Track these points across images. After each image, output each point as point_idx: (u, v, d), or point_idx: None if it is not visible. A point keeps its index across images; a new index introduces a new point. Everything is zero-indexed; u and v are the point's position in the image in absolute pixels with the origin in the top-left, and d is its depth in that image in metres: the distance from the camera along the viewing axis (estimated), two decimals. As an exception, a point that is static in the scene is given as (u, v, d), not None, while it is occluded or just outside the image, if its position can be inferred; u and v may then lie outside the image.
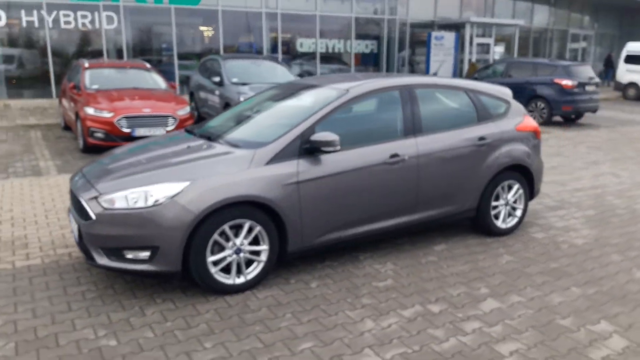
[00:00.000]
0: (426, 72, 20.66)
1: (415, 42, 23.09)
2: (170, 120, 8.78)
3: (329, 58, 21.45)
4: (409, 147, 4.28)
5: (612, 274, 4.18)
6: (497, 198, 4.94)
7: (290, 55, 20.89)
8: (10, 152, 8.63)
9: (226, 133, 4.25)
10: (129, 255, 3.45)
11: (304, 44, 20.83)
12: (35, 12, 16.22)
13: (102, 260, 3.50)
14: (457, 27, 22.13)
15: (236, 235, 3.62)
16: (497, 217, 4.97)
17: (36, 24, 16.43)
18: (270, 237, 3.72)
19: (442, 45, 20.10)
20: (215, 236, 3.51)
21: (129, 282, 3.81)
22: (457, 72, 21.97)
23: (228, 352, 2.96)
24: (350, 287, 3.84)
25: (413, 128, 4.37)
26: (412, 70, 23.41)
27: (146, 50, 18.60)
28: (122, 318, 3.31)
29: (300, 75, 20.89)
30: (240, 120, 4.59)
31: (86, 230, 3.53)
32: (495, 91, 5.04)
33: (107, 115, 8.46)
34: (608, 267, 4.33)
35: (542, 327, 3.32)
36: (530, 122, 5.14)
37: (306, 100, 4.37)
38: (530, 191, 5.18)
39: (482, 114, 4.83)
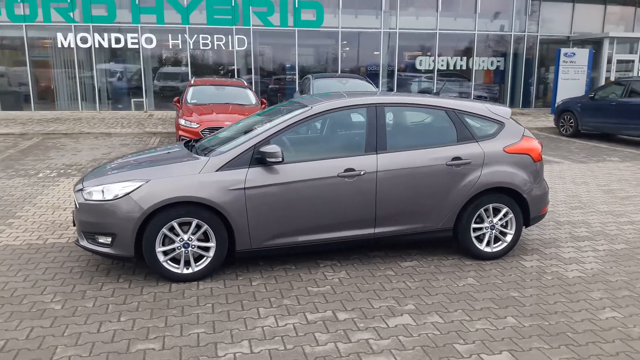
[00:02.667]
0: (554, 91, 19.22)
1: (547, 58, 21.62)
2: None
3: (449, 75, 21.11)
4: (368, 162, 4.43)
5: (572, 310, 3.86)
6: (481, 220, 4.79)
7: (409, 72, 21.01)
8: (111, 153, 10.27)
9: (208, 145, 4.81)
10: (100, 240, 4.18)
11: (423, 62, 20.79)
12: (179, 35, 18.67)
13: (83, 242, 4.30)
14: (594, 43, 20.25)
15: (187, 231, 4.15)
16: (480, 240, 4.81)
17: (180, 46, 18.90)
18: (217, 236, 4.19)
19: (573, 63, 18.54)
20: (164, 230, 4.09)
21: (113, 264, 4.55)
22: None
23: (132, 325, 3.49)
24: (286, 288, 4.14)
25: (376, 145, 4.51)
26: (545, 89, 21.94)
27: (272, 69, 20.23)
28: (82, 290, 4.04)
29: (421, 92, 20.94)
30: (229, 135, 5.13)
31: (74, 216, 4.37)
32: (485, 111, 4.90)
33: (194, 126, 9.66)
34: (576, 303, 3.99)
35: (431, 349, 3.29)
36: (527, 145, 4.88)
37: (281, 117, 4.76)
38: (525, 217, 4.90)
39: (464, 134, 4.74)
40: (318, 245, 4.50)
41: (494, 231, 4.82)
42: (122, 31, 18.39)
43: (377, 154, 4.48)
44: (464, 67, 21.03)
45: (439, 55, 20.48)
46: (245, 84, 11.84)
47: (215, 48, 19.12)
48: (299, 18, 19.02)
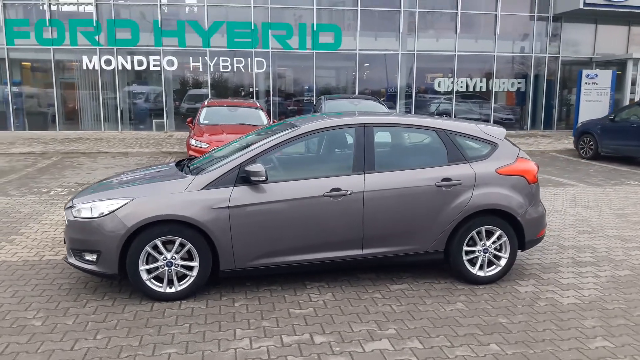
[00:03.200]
0: (575, 112, 18.88)
1: (569, 80, 21.31)
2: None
3: (468, 97, 20.98)
4: (354, 182, 4.39)
5: (561, 338, 3.71)
6: (474, 243, 4.67)
7: (428, 94, 20.96)
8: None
9: (199, 165, 4.82)
10: (86, 257, 4.22)
11: (442, 83, 20.72)
12: (200, 58, 19.07)
13: (71, 259, 4.34)
14: (618, 65, 19.89)
15: (171, 250, 4.16)
16: (473, 263, 4.69)
17: (200, 68, 19.29)
18: (200, 255, 4.19)
19: (596, 84, 18.20)
20: (148, 248, 4.11)
21: (101, 282, 4.58)
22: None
23: (106, 344, 3.49)
24: (267, 310, 4.09)
25: (363, 165, 4.47)
26: (567, 111, 21.60)
27: (290, 90, 20.44)
28: (65, 307, 4.07)
29: (440, 114, 20.84)
30: (222, 155, 5.13)
31: (64, 233, 4.43)
32: (477, 132, 4.81)
33: (204, 145, 9.78)
34: (567, 331, 3.83)
35: (405, 374, 3.19)
36: (522, 166, 4.76)
37: (270, 136, 4.76)
38: (520, 240, 4.76)
39: (454, 155, 4.66)
40: (304, 266, 4.45)
41: (487, 255, 4.69)
42: (144, 54, 18.89)
43: (364, 173, 4.44)
44: (484, 89, 20.87)
45: (458, 77, 20.39)
46: (258, 105, 11.98)
47: (235, 70, 19.44)
48: (317, 41, 19.24)
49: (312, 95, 19.95)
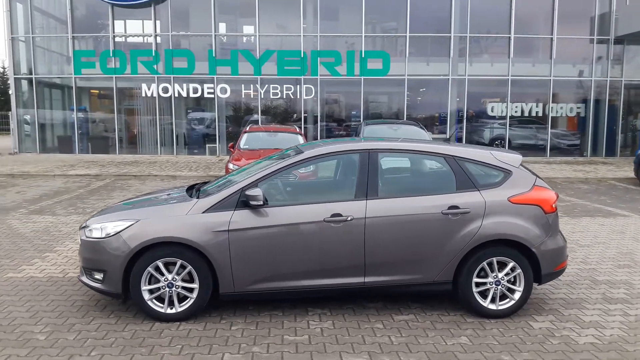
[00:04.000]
0: None
1: (635, 104, 20.21)
2: (291, 178, 9.84)
3: (524, 122, 20.32)
4: (356, 208, 4.33)
5: (566, 380, 3.44)
6: (485, 275, 4.46)
7: (480, 119, 20.50)
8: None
9: (208, 188, 4.92)
10: (95, 275, 4.39)
11: (496, 108, 20.23)
12: (251, 85, 19.67)
13: (83, 277, 4.53)
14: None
15: (173, 271, 4.25)
16: (485, 296, 4.47)
17: (251, 95, 19.87)
18: (200, 277, 4.25)
19: (661, 108, 17.15)
20: (150, 269, 4.21)
21: (111, 301, 4.72)
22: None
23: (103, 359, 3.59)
24: (262, 335, 4.06)
25: (366, 191, 4.40)
26: (633, 137, 20.43)
27: (338, 116, 20.61)
28: (72, 323, 4.23)
29: (494, 139, 20.29)
30: (233, 178, 5.21)
31: (78, 252, 4.64)
32: (489, 159, 4.63)
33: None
34: (575, 373, 3.56)
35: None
36: (537, 195, 4.52)
37: (276, 161, 4.78)
38: (537, 273, 4.50)
39: (464, 182, 4.50)
40: (305, 292, 4.40)
41: (499, 287, 4.46)
42: (199, 82, 19.71)
43: (367, 199, 4.37)
44: (540, 114, 20.17)
45: (512, 102, 19.82)
46: (297, 130, 12.14)
47: (285, 97, 19.88)
48: (365, 67, 19.37)
49: (360, 121, 19.99)
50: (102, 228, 4.36)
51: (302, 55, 19.34)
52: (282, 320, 4.37)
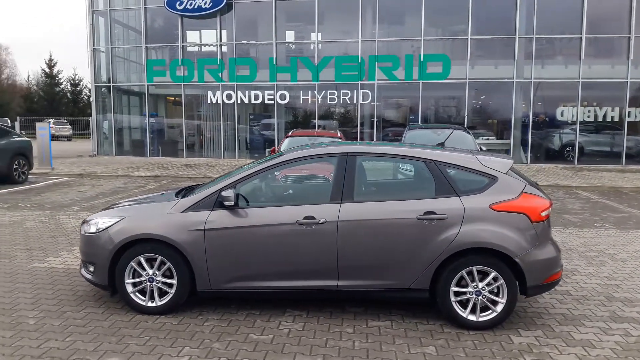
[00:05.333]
0: None
1: None
2: (324, 180, 9.93)
3: (598, 127, 19.04)
4: (329, 211, 4.33)
5: (519, 398, 3.25)
6: (466, 284, 4.29)
7: (548, 124, 19.47)
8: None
9: (195, 189, 5.08)
10: (89, 268, 4.71)
11: (565, 112, 19.13)
12: (309, 91, 19.98)
13: (81, 269, 4.88)
14: None
15: (153, 266, 4.48)
16: (465, 306, 4.30)
17: (309, 101, 20.18)
18: (178, 273, 4.43)
19: None
20: (133, 263, 4.46)
21: (107, 293, 5.02)
22: None
23: (68, 345, 3.85)
24: (229, 332, 4.15)
25: (342, 194, 4.38)
26: None
27: (395, 120, 20.39)
28: (64, 310, 4.57)
29: (564, 145, 19.21)
30: (218, 180, 5.31)
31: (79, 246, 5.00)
32: (473, 164, 4.44)
33: (276, 173, 10.20)
34: (533, 391, 3.34)
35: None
36: (523, 203, 4.27)
37: (257, 164, 4.83)
38: (523, 285, 4.26)
39: (443, 188, 4.35)
40: (280, 292, 4.46)
41: (480, 297, 4.26)
42: (260, 88, 20.31)
43: (341, 203, 4.35)
44: (616, 118, 18.79)
45: (583, 106, 18.63)
46: (339, 134, 12.19)
47: (341, 102, 19.99)
48: (424, 71, 19.04)
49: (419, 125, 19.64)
50: (95, 224, 4.68)
51: (359, 61, 19.37)
52: (256, 319, 4.45)
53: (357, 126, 19.80)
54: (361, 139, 19.78)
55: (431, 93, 19.55)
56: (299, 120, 20.84)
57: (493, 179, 4.38)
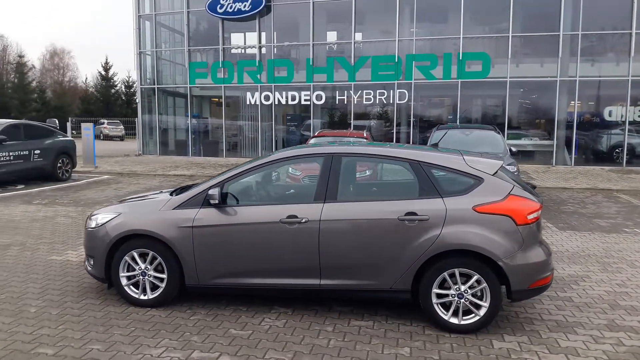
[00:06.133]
0: None
1: None
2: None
3: (649, 127, 18.09)
4: (312, 211, 4.37)
5: (479, 404, 3.19)
6: (449, 286, 4.24)
7: (594, 124, 18.67)
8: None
9: (191, 188, 5.21)
10: (91, 261, 4.97)
11: (614, 112, 18.27)
12: (345, 91, 20.01)
13: (85, 263, 5.14)
14: None
15: (145, 261, 4.67)
16: (447, 308, 4.24)
17: (345, 101, 20.20)
18: (168, 268, 4.60)
19: None
20: (127, 258, 4.67)
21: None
22: None
23: (57, 333, 4.08)
24: (210, 327, 4.27)
25: (325, 194, 4.42)
26: None
27: (432, 120, 20.09)
28: (65, 300, 4.83)
29: (613, 147, 18.40)
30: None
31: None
32: (459, 165, 4.36)
33: (297, 173, 10.26)
34: (497, 397, 3.28)
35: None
36: (509, 205, 4.16)
37: (246, 164, 4.93)
38: (507, 289, 4.16)
39: (426, 189, 4.30)
40: (264, 290, 4.54)
41: (462, 300, 4.19)
42: (297, 89, 20.53)
43: (324, 202, 4.39)
44: (671, 119, 17.77)
45: (633, 105, 17.74)
46: (365, 134, 12.15)
47: (377, 102, 19.90)
48: (463, 70, 18.67)
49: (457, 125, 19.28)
50: (95, 219, 4.93)
51: (396, 60, 19.22)
52: (241, 315, 4.55)
53: (394, 126, 19.64)
54: (397, 139, 19.62)
55: (470, 92, 19.13)
56: (335, 120, 20.88)
57: (478, 180, 4.29)
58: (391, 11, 19.15)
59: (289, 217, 4.38)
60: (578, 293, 5.27)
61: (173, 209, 4.64)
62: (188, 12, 21.76)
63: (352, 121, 19.90)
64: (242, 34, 22.13)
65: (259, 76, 20.93)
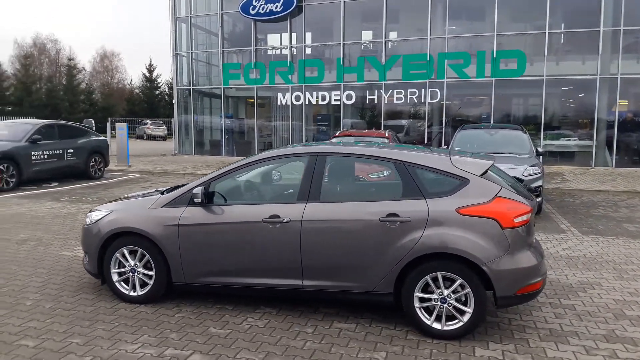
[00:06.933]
0: None
1: None
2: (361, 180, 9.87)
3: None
4: (294, 211, 4.33)
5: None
6: (431, 290, 4.11)
7: (636, 124, 17.80)
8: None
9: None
10: (86, 257, 5.09)
11: (659, 112, 17.34)
12: (375, 91, 19.85)
13: (83, 260, 5.28)
14: None
15: (135, 258, 4.75)
16: (430, 313, 4.12)
17: (375, 100, 20.04)
18: (156, 266, 4.67)
19: None
20: (117, 254, 4.77)
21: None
22: None
23: (44, 325, 4.20)
24: (191, 324, 4.29)
25: (308, 194, 4.37)
26: None
27: (465, 119, 19.64)
28: (62, 294, 4.97)
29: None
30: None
31: (82, 237, 5.42)
32: (446, 165, 4.20)
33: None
34: (463, 407, 3.14)
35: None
36: (494, 207, 3.98)
37: (232, 163, 4.94)
38: (493, 295, 4.00)
39: (410, 190, 4.18)
40: (249, 289, 4.53)
41: (445, 305, 4.06)
42: (327, 89, 20.50)
43: (306, 202, 4.35)
44: None
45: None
46: (387, 134, 11.98)
47: (408, 101, 19.63)
48: (497, 68, 18.17)
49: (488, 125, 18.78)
50: (91, 216, 5.05)
51: (428, 59, 18.90)
52: (225, 314, 4.56)
53: (425, 126, 19.32)
54: (429, 139, 19.30)
55: (505, 91, 18.58)
56: (366, 120, 20.74)
57: (464, 181, 4.14)
58: (423, 9, 18.85)
59: (272, 216, 4.36)
60: (583, 301, 5.01)
61: (161, 207, 4.70)
62: (222, 13, 22.11)
63: (382, 121, 19.71)
64: (275, 35, 22.29)
65: (290, 77, 21.03)
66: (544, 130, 17.95)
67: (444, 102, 19.00)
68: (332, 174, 4.55)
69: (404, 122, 20.33)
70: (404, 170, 4.26)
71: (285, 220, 4.31)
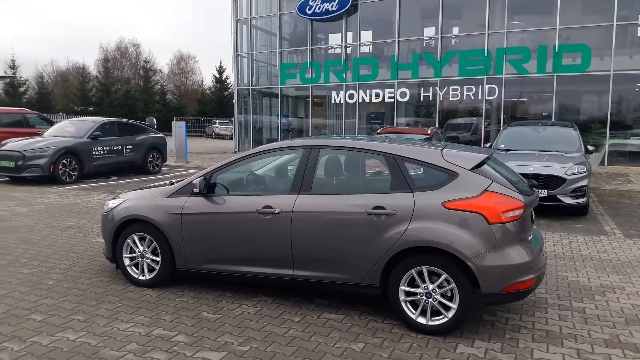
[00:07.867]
0: None
1: None
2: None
3: None
4: (286, 202, 4.42)
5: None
6: (417, 284, 4.07)
7: None
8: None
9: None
10: (105, 243, 5.46)
11: None
12: (430, 88, 19.51)
13: (103, 247, 5.65)
14: None
15: (144, 244, 5.04)
16: (416, 307, 4.07)
17: (430, 98, 19.69)
18: (162, 252, 4.92)
19: None
20: (128, 241, 5.07)
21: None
22: None
23: (55, 303, 4.56)
24: (188, 308, 4.49)
25: (300, 186, 4.44)
26: None
27: (524, 117, 18.85)
28: (81, 277, 5.35)
29: None
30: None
31: (103, 224, 5.78)
32: (436, 159, 4.12)
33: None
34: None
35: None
36: (482, 202, 3.86)
37: (232, 156, 5.10)
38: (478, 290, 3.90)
39: (398, 183, 4.15)
40: (246, 277, 4.67)
41: (430, 300, 4.00)
42: (381, 87, 20.38)
43: (298, 194, 4.42)
44: None
45: None
46: (429, 131, 11.75)
47: (465, 98, 19.11)
48: (559, 63, 17.30)
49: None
50: (108, 204, 5.40)
51: (485, 54, 18.31)
52: (221, 300, 4.73)
53: (482, 123, 18.73)
54: (486, 136, 18.67)
55: (567, 87, 17.62)
56: (420, 117, 20.41)
57: (453, 175, 4.05)
58: (480, 4, 18.28)
59: (265, 207, 4.47)
60: (597, 304, 4.75)
61: (168, 196, 4.94)
62: (280, 14, 22.54)
63: (436, 118, 19.32)
64: (332, 34, 22.43)
65: (344, 75, 21.09)
66: (610, 129, 16.87)
67: (502, 99, 18.33)
68: (326, 167, 4.60)
69: (459, 119, 19.82)
70: (394, 164, 4.23)
71: (277, 211, 4.41)
